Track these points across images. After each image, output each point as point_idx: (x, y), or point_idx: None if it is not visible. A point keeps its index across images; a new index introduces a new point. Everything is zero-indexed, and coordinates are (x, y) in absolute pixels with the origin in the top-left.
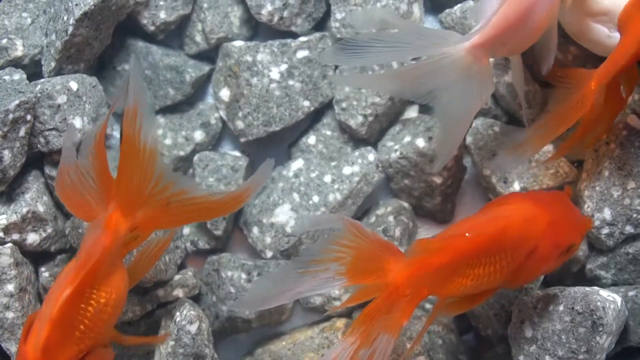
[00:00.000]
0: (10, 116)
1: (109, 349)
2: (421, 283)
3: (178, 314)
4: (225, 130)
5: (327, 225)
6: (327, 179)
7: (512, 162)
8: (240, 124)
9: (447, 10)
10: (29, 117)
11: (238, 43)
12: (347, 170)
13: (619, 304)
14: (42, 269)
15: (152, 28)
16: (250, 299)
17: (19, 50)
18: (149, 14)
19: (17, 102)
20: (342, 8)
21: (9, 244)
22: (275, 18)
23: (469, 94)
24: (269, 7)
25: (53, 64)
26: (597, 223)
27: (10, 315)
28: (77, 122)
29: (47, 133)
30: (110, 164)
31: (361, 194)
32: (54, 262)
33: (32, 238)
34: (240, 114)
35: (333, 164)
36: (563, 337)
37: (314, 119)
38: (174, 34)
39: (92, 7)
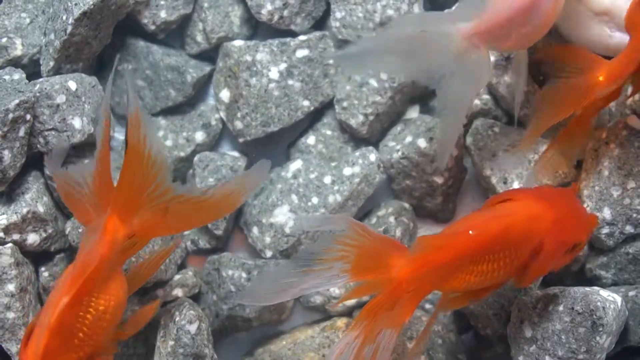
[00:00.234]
0: (10, 116)
1: (109, 357)
2: (424, 279)
3: (177, 313)
4: (225, 131)
5: (330, 226)
6: (327, 180)
7: (514, 159)
8: (238, 125)
9: (446, 10)
10: (28, 117)
11: (238, 42)
12: (347, 171)
13: (619, 304)
14: (42, 269)
15: (152, 27)
16: (254, 292)
17: (18, 49)
18: (150, 13)
19: (16, 101)
20: (341, 7)
21: (10, 244)
22: (275, 17)
23: (464, 80)
24: (269, 7)
25: (52, 64)
26: None
27: (11, 315)
28: (77, 123)
29: (46, 133)
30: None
31: (362, 195)
32: (54, 262)
33: (33, 238)
34: (238, 115)
35: (333, 164)
36: (563, 337)
37: (313, 118)
38: (174, 34)
39: (92, 6)
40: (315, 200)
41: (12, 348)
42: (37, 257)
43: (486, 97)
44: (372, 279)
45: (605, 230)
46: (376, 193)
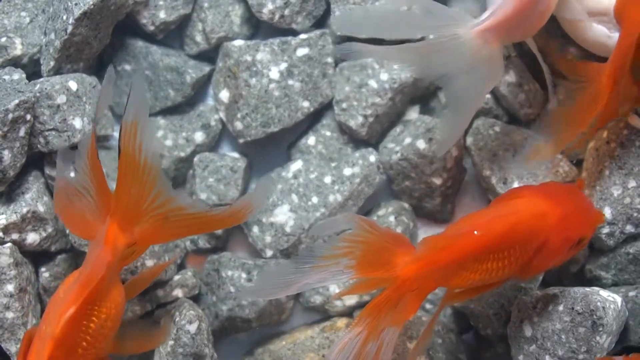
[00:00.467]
0: (10, 116)
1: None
2: (429, 277)
3: (177, 313)
4: (225, 131)
5: (340, 227)
6: (327, 179)
7: (531, 167)
8: (238, 125)
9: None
10: (28, 117)
11: (238, 42)
12: (347, 171)
13: (619, 304)
14: (42, 269)
15: (151, 28)
16: (258, 287)
17: (17, 49)
18: (149, 13)
19: (16, 101)
20: (341, 6)
21: (9, 244)
22: (277, 16)
23: (478, 77)
24: (270, 6)
25: (52, 63)
26: None
27: (10, 315)
28: (77, 123)
29: (46, 133)
30: (112, 164)
31: (362, 195)
32: (54, 262)
33: (32, 238)
34: (238, 115)
35: (333, 164)
36: (563, 336)
37: (313, 119)
38: (174, 34)
39: (92, 6)
40: (315, 199)
41: (12, 348)
42: (37, 257)
43: (487, 96)
44: (377, 276)
45: (606, 229)
46: (376, 193)
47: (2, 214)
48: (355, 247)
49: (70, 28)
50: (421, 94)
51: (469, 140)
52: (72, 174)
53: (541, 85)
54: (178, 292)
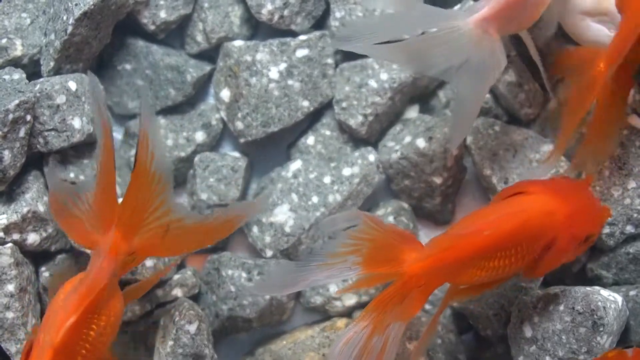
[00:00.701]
0: (10, 116)
1: None
2: (436, 274)
3: (177, 313)
4: (225, 131)
5: (345, 223)
6: (327, 179)
7: (544, 170)
8: (239, 125)
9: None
10: (28, 118)
11: (238, 43)
12: (346, 171)
13: (620, 303)
14: (43, 268)
15: (152, 27)
16: (267, 284)
17: (18, 49)
18: (149, 13)
19: (16, 102)
20: (341, 6)
21: (9, 244)
22: (276, 17)
23: (482, 67)
24: (269, 7)
25: (52, 64)
26: None
27: (10, 315)
28: (76, 123)
29: (46, 134)
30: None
31: (361, 195)
32: (55, 262)
33: (33, 238)
34: (239, 115)
35: (332, 164)
36: (563, 337)
37: (313, 119)
38: (174, 34)
39: (92, 6)
40: (315, 199)
41: (12, 348)
42: (37, 256)
43: (486, 95)
44: (384, 272)
45: (606, 230)
46: (375, 193)
47: (3, 213)
48: (362, 243)
49: (70, 28)
50: (420, 93)
51: (469, 139)
52: (72, 175)
53: (541, 85)
54: (178, 292)
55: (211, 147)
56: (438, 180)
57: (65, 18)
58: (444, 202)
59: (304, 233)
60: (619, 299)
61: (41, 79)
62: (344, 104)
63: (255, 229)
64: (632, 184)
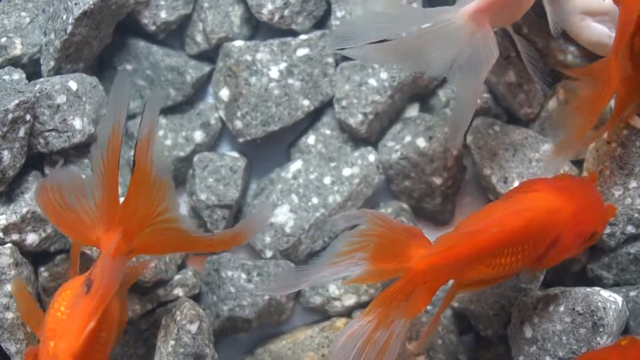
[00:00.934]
0: (10, 116)
1: None
2: (443, 271)
3: (178, 313)
4: (224, 131)
5: (351, 222)
6: (327, 180)
7: (560, 161)
8: (238, 124)
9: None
10: (28, 117)
11: (238, 43)
12: (346, 171)
13: (620, 304)
14: (42, 269)
15: (152, 28)
16: (277, 285)
17: (17, 49)
18: (150, 13)
19: (16, 101)
20: (342, 6)
21: (9, 244)
22: (276, 17)
23: (476, 59)
24: (270, 6)
25: (52, 63)
26: None
27: (10, 315)
28: (77, 123)
29: (46, 134)
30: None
31: (361, 195)
32: (54, 262)
33: (32, 238)
34: (238, 114)
35: (332, 165)
36: (563, 337)
37: (313, 118)
38: (175, 34)
39: (92, 6)
40: (315, 200)
41: (11, 348)
42: (37, 257)
43: (486, 95)
44: (391, 268)
45: (607, 230)
46: (375, 194)
47: (2, 214)
48: (369, 239)
49: (70, 28)
50: (421, 92)
51: (469, 139)
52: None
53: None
54: (178, 291)
55: (210, 147)
56: (438, 180)
57: (65, 17)
58: (444, 202)
59: (304, 233)
60: (619, 299)
61: (41, 79)
62: (343, 103)
63: None
64: (633, 184)
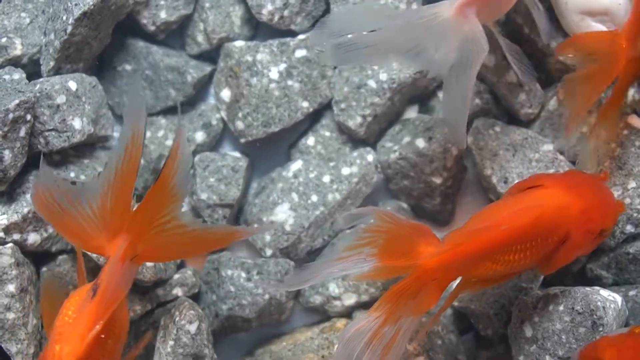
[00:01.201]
0: (10, 116)
1: None
2: (452, 268)
3: (177, 313)
4: (225, 131)
5: (359, 220)
6: (326, 179)
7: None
8: (240, 125)
9: None
10: (28, 117)
11: (239, 43)
12: (345, 170)
13: (620, 303)
14: (43, 269)
15: (152, 28)
16: (285, 282)
17: (17, 49)
18: (149, 13)
19: (17, 101)
20: (341, 6)
21: (10, 244)
22: (276, 17)
23: (466, 54)
24: (270, 7)
25: (52, 64)
26: None
27: (11, 315)
28: (77, 123)
29: (47, 134)
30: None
31: (360, 194)
32: (55, 262)
33: (33, 238)
34: (240, 115)
35: (332, 164)
36: (563, 337)
37: (313, 120)
38: (175, 34)
39: (92, 6)
40: (314, 198)
41: (12, 348)
42: (38, 257)
43: (487, 96)
44: (399, 264)
45: None
46: (374, 193)
47: (4, 214)
48: (377, 236)
49: (69, 28)
50: (420, 93)
51: (469, 139)
52: (72, 174)
53: (541, 85)
54: (178, 291)
55: (211, 147)
56: (438, 180)
57: (64, 18)
58: (444, 202)
59: (304, 231)
60: (619, 299)
61: (41, 79)
62: (342, 105)
63: None
64: (632, 184)
